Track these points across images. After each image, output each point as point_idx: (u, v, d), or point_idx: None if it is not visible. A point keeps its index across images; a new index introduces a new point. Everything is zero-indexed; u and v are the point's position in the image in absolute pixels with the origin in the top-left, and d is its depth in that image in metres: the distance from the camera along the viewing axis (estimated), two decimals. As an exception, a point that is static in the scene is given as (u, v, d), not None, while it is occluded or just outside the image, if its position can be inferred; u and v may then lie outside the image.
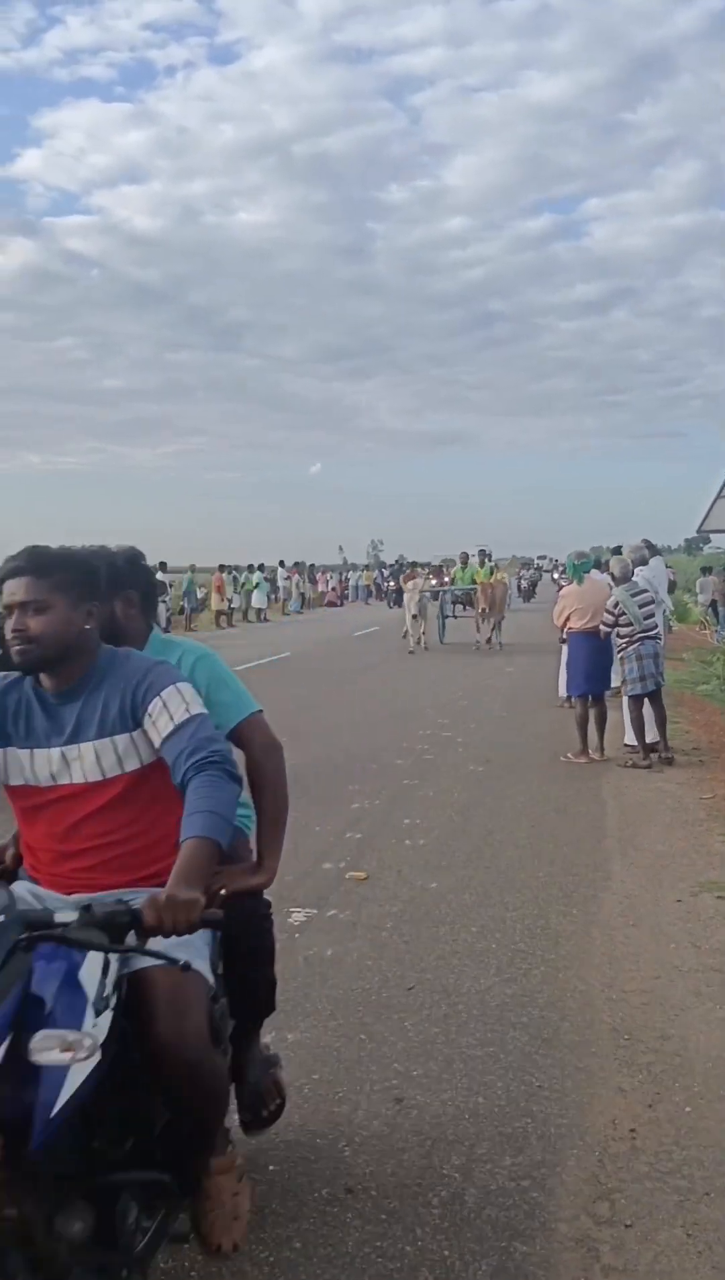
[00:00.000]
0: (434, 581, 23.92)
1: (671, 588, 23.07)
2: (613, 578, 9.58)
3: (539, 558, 61.82)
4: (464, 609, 24.10)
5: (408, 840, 6.73)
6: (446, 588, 24.22)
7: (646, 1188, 3.04)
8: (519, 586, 44.80)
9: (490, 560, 24.59)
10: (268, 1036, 3.87)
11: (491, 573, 22.64)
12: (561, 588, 11.88)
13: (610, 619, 9.13)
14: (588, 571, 10.17)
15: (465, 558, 24.15)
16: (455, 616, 24.01)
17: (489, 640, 20.92)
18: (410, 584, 21.79)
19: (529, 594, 45.69)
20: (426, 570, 23.77)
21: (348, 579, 50.44)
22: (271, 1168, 3.13)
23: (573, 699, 10.18)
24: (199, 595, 31.01)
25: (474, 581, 22.27)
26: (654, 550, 11.90)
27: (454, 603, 24.18)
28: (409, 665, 18.35)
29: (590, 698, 9.66)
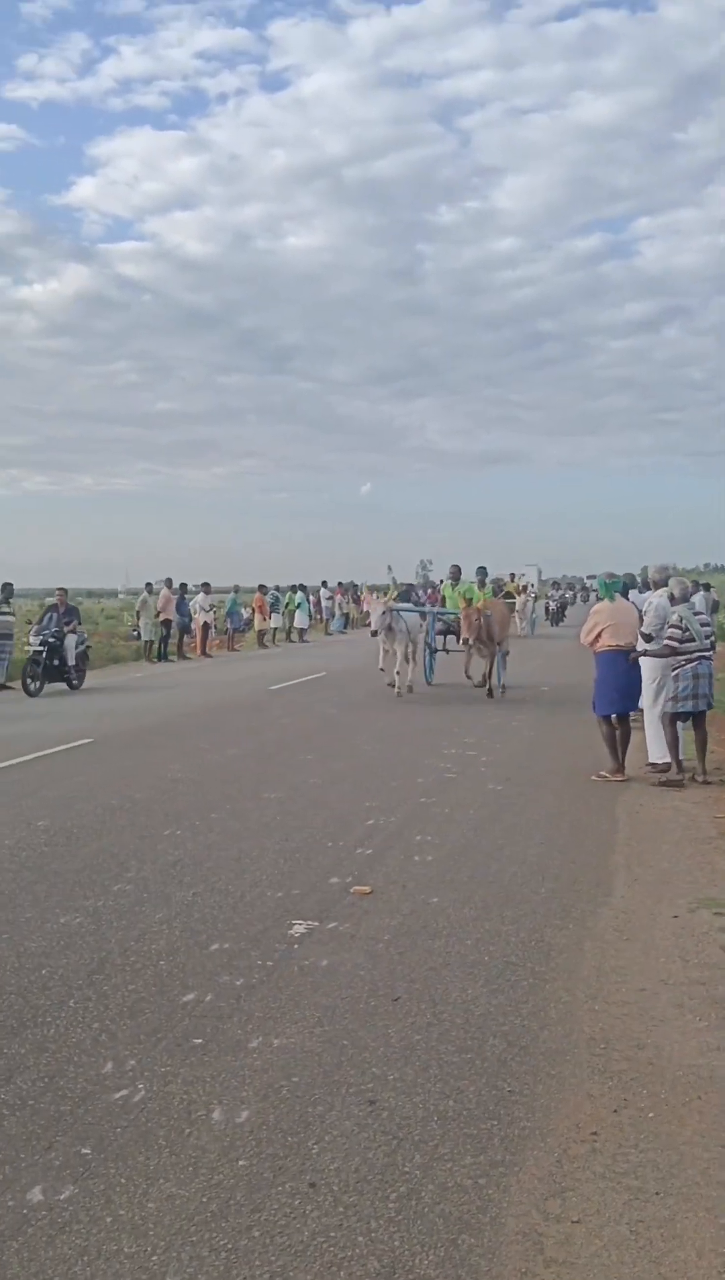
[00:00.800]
0: (331, 601, 19.61)
1: (715, 608, 23.01)
2: (671, 597, 9.66)
3: (589, 577, 61.82)
4: (457, 641, 17.93)
5: (417, 856, 6.85)
6: (432, 609, 19.41)
7: (599, 1187, 3.14)
8: (548, 609, 44.05)
9: (489, 579, 20.30)
10: (254, 1041, 4.04)
11: (493, 595, 18.52)
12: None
13: (677, 634, 9.18)
14: (619, 591, 10.25)
15: (457, 573, 19.53)
16: (446, 650, 18.83)
17: (485, 684, 16.52)
18: (368, 606, 17.61)
19: (558, 616, 44.91)
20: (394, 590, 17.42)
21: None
22: (241, 1162, 3.27)
23: (600, 717, 10.24)
24: (243, 616, 31.34)
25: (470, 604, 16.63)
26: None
27: (441, 633, 18.58)
28: (441, 686, 18.42)
29: (615, 716, 9.74)
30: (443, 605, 19.34)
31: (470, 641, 15.59)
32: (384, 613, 15.99)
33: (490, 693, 16.27)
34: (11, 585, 19.37)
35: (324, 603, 38.79)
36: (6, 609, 18.91)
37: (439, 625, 18.42)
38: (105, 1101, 3.66)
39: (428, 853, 6.94)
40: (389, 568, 19.52)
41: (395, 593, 16.97)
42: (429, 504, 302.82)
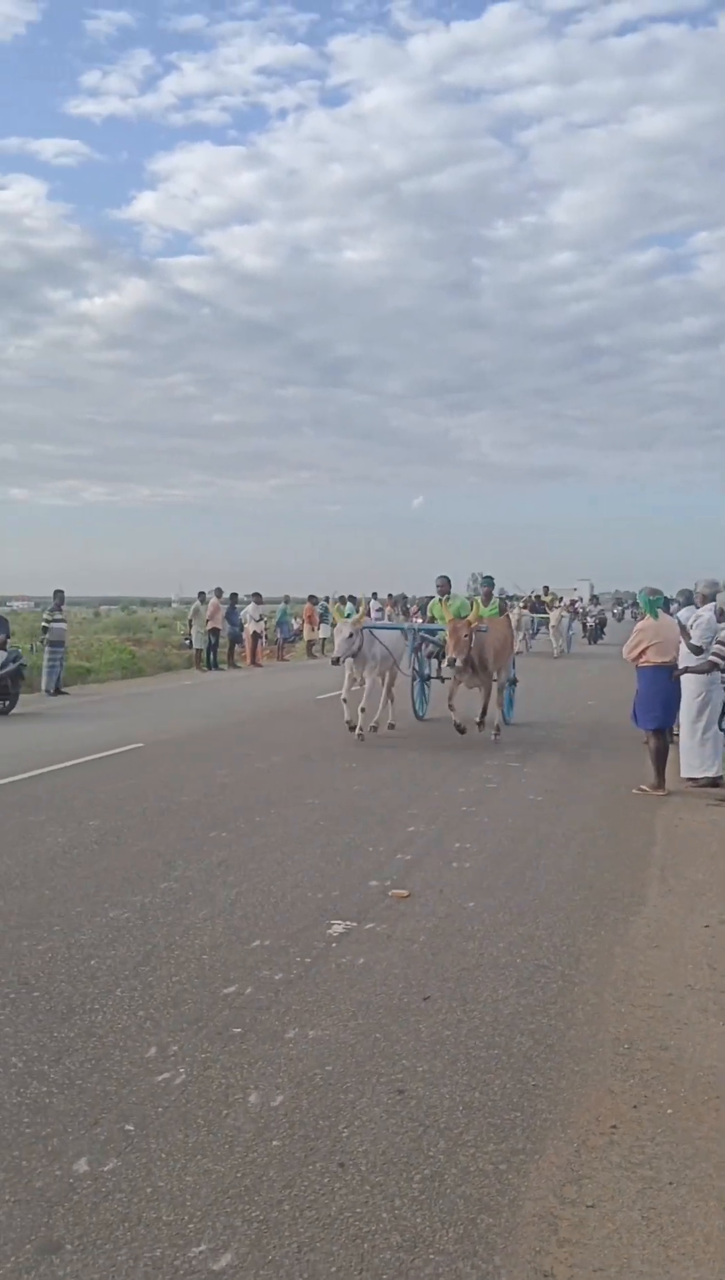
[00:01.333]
0: (381, 614, 15.65)
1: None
2: (720, 612, 9.77)
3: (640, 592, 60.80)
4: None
5: (455, 863, 7.00)
6: (414, 625, 15.54)
7: (615, 1176, 3.29)
8: (585, 625, 41.79)
9: (496, 590, 17.37)
10: (291, 1032, 4.22)
11: (501, 611, 15.62)
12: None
13: (723, 649, 9.26)
14: (661, 607, 10.35)
15: (445, 586, 14.83)
16: (440, 678, 15.24)
17: (480, 724, 12.97)
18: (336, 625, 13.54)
19: (597, 634, 42.68)
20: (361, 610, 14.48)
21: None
22: (275, 1142, 3.45)
23: (645, 732, 10.31)
24: (293, 626, 31.61)
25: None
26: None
27: (432, 656, 15.45)
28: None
29: (655, 731, 9.83)
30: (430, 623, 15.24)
31: (457, 663, 12.00)
32: (351, 635, 12.78)
33: (481, 725, 12.88)
34: (63, 592, 19.88)
35: (374, 614, 38.94)
36: (59, 616, 19.37)
37: (428, 647, 15.09)
38: (148, 1083, 3.86)
39: (466, 859, 7.09)
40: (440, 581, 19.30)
41: (361, 612, 14.60)
42: (482, 517, 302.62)
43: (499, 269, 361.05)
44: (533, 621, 33.25)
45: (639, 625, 10.38)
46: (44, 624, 19.29)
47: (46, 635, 19.00)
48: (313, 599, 32.31)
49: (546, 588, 38.21)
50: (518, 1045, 4.20)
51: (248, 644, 27.46)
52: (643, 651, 9.95)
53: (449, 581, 14.93)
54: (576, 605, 43.88)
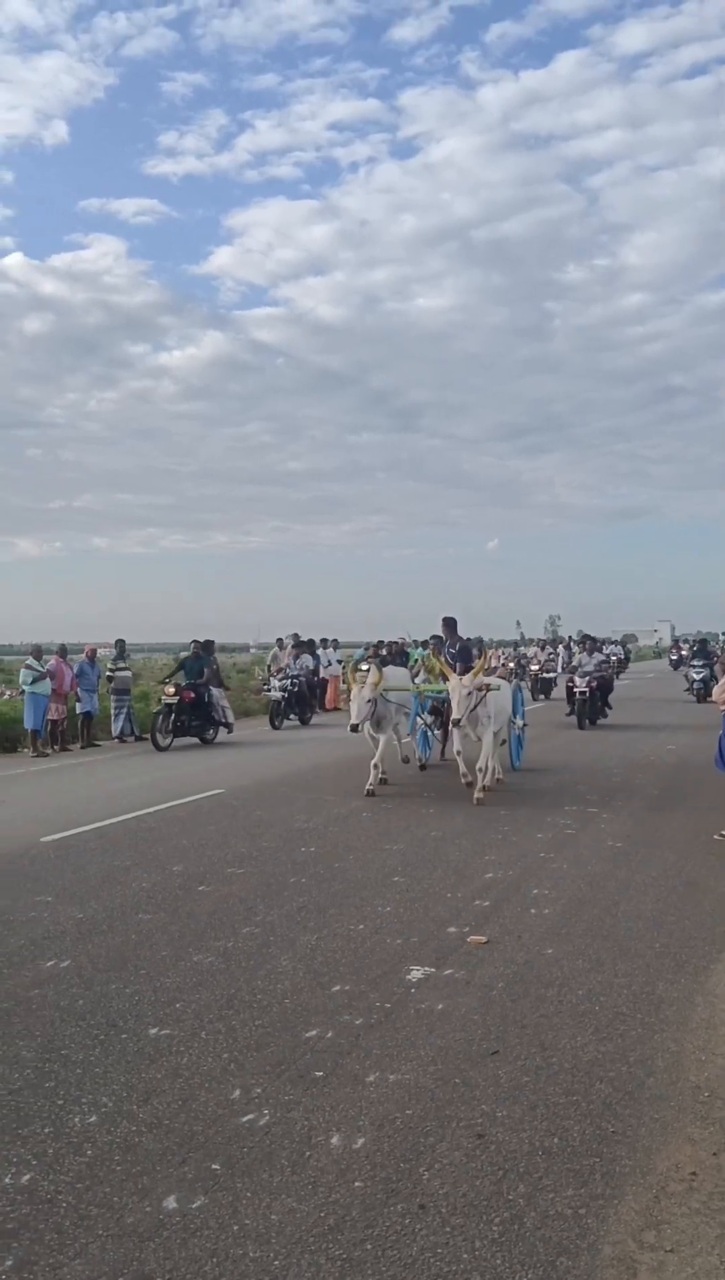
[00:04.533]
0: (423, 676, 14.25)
1: None
2: None
3: None
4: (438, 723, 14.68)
5: (533, 909, 7.02)
6: (428, 687, 13.93)
7: (694, 1221, 3.31)
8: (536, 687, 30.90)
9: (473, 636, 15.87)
10: (371, 1076, 4.31)
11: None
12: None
13: None
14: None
15: (451, 628, 14.34)
16: (435, 733, 15.11)
17: (476, 779, 12.04)
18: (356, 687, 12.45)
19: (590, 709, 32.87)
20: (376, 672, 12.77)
21: (573, 652, 49.70)
22: (356, 1184, 3.53)
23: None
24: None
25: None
26: None
27: (430, 712, 14.34)
28: (563, 740, 18.43)
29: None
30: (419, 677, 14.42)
31: (461, 722, 11.80)
32: (370, 701, 12.14)
33: (470, 784, 12.13)
34: (124, 642, 21.11)
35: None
36: (122, 665, 20.18)
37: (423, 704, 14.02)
38: (233, 1124, 3.96)
39: (544, 906, 7.11)
40: (518, 623, 19.49)
41: (378, 675, 12.47)
42: (558, 560, 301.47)
43: (570, 311, 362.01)
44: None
45: None
46: (109, 674, 19.87)
47: (112, 684, 19.67)
48: (379, 644, 31.20)
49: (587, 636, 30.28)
50: (597, 1092, 4.23)
51: (331, 689, 27.59)
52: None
53: (454, 623, 14.31)
54: (524, 659, 33.60)
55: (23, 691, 18.22)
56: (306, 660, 24.35)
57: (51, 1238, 3.23)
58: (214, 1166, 3.65)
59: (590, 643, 24.81)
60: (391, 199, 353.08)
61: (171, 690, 18.38)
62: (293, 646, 24.76)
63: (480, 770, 12.06)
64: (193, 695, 18.59)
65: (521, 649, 26.05)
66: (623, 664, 35.96)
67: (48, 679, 17.90)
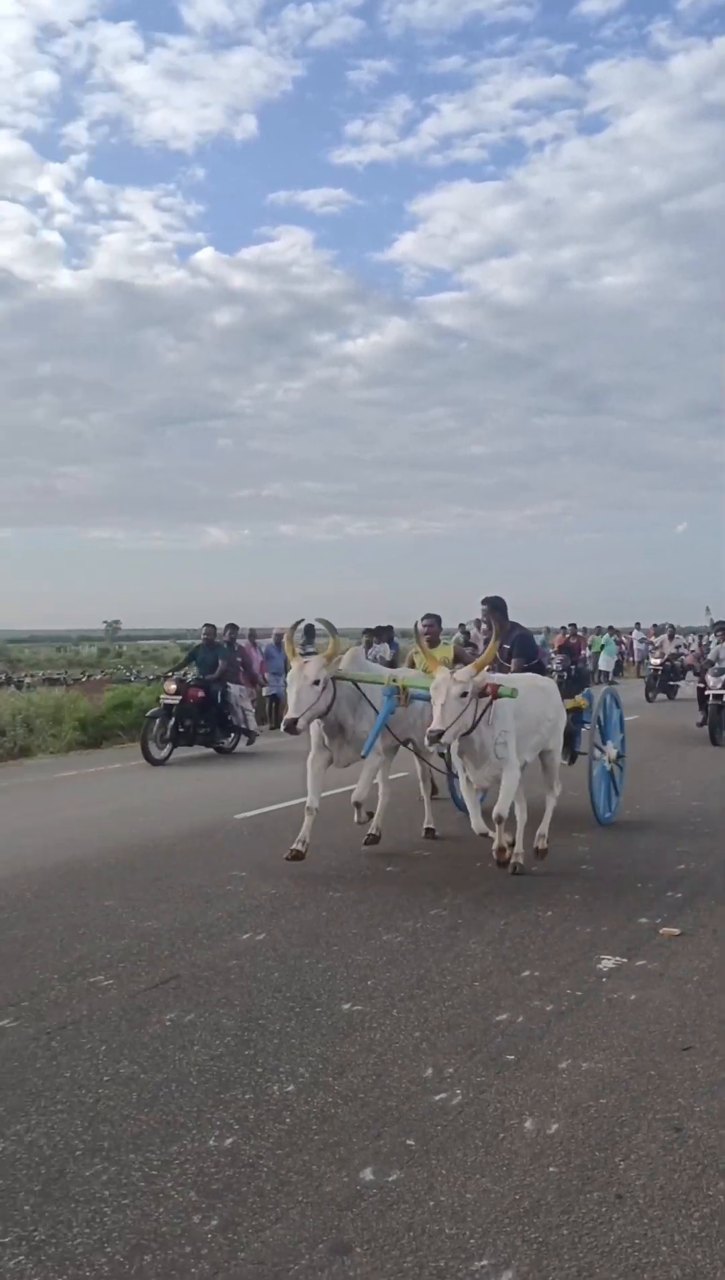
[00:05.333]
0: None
1: None
2: None
3: None
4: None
5: (728, 902, 6.83)
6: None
7: None
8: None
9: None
10: (563, 1063, 4.29)
11: (458, 659, 8.97)
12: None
13: None
14: None
15: (433, 627, 10.28)
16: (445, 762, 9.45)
17: (499, 839, 7.36)
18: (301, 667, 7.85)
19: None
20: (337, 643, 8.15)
21: (709, 642, 48.14)
22: (551, 1169, 3.53)
23: None
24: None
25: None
26: None
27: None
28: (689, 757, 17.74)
29: None
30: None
31: (443, 737, 7.07)
32: (315, 683, 7.69)
33: (505, 864, 7.42)
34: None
35: (637, 645, 38.03)
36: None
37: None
38: (426, 1102, 4.01)
39: (740, 899, 6.90)
40: (707, 609, 18.16)
41: (337, 647, 8.03)
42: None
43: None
44: None
45: None
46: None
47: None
48: (564, 629, 30.38)
49: (601, 628, 29.40)
50: None
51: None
52: None
53: (438, 621, 10.45)
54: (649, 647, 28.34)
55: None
56: (382, 650, 19.77)
57: (254, 1200, 3.35)
58: (409, 1142, 3.71)
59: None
60: (578, 176, 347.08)
61: (173, 688, 14.70)
62: (364, 633, 20.81)
63: (498, 819, 7.24)
64: (202, 694, 15.02)
65: (708, 639, 21.51)
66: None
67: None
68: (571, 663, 21.95)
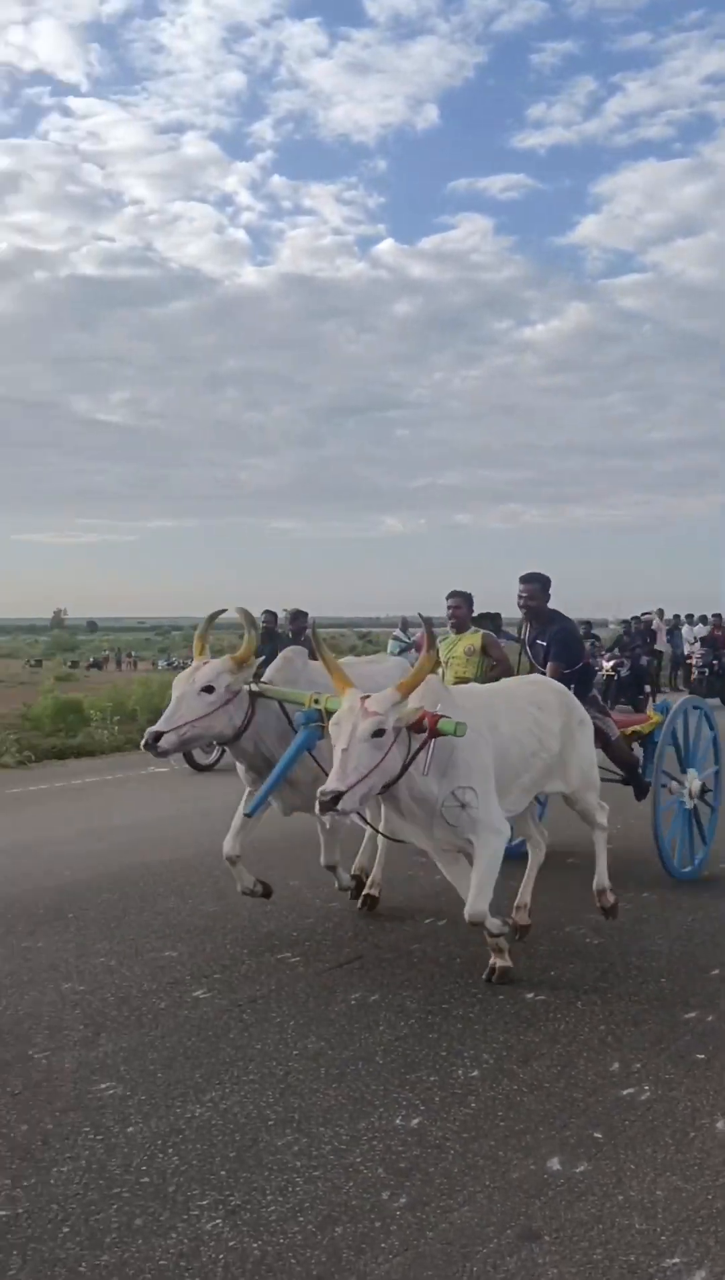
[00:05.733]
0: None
1: None
2: None
3: None
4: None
5: None
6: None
7: None
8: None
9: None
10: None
11: (486, 653, 7.60)
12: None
13: None
14: None
15: (460, 607, 7.88)
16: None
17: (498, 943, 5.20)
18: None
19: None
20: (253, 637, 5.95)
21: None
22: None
23: None
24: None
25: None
26: None
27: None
28: None
29: None
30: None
31: (341, 804, 4.50)
32: (206, 689, 5.65)
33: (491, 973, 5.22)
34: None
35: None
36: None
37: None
38: (613, 1095, 3.97)
39: None
40: None
41: (252, 646, 5.81)
42: None
43: None
44: None
45: None
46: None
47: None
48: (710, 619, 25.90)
49: (638, 617, 25.02)
50: None
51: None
52: None
53: (469, 600, 7.95)
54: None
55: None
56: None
57: (441, 1182, 3.39)
58: (596, 1134, 3.68)
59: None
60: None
61: None
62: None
63: (473, 923, 5.12)
64: None
65: None
66: None
67: (413, 650, 18.47)
68: (713, 657, 20.41)
